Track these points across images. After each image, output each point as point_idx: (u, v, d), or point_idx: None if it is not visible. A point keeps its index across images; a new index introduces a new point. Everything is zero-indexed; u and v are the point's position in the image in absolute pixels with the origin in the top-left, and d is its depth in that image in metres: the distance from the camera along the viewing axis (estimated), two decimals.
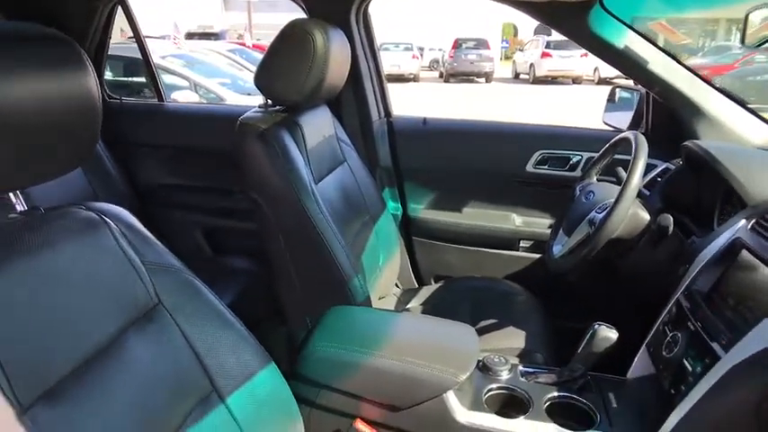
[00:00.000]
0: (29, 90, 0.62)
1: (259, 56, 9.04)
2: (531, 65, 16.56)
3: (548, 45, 15.82)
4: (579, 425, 1.04)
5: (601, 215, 1.30)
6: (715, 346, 0.95)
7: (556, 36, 18.08)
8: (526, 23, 27.28)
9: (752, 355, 0.86)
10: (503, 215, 1.89)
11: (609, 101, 1.98)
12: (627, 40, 1.54)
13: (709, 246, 1.16)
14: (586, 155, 1.78)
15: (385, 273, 1.68)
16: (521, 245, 1.88)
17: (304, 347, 1.12)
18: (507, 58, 24.14)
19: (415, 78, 16.93)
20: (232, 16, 23.43)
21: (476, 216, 1.90)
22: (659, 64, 1.54)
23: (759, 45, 1.17)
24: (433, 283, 1.92)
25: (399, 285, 1.92)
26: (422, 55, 19.77)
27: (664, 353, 1.08)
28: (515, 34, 29.15)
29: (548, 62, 15.88)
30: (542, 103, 12.23)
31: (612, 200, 1.29)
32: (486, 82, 16.88)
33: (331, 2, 1.71)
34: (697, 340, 1.01)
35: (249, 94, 6.28)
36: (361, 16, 1.82)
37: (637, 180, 1.22)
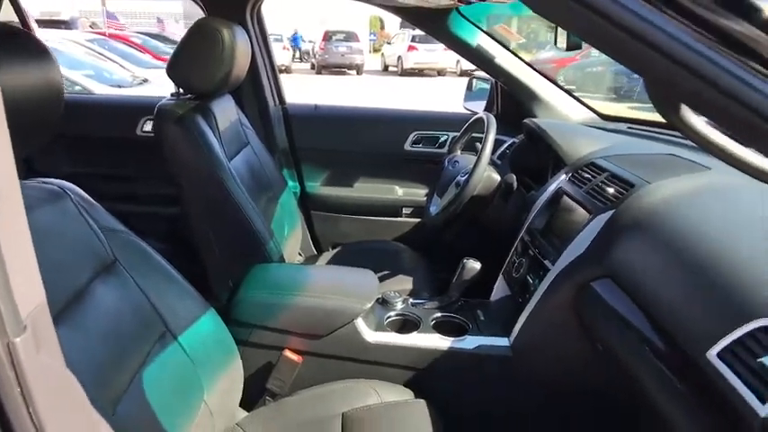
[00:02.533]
0: None
1: (122, 47, 8.68)
2: (399, 57, 17.29)
3: (413, 39, 16.60)
4: (458, 333, 1.38)
5: (464, 178, 1.66)
6: (546, 263, 1.33)
7: (421, 31, 19.06)
8: (392, 17, 28.21)
9: (568, 263, 1.24)
10: (387, 187, 2.21)
11: (467, 89, 2.37)
12: (478, 39, 1.91)
13: (541, 196, 1.55)
14: (452, 134, 2.14)
15: (289, 242, 1.92)
16: (403, 212, 2.22)
17: (235, 297, 1.35)
18: (376, 50, 24.83)
19: (287, 70, 16.93)
20: (81, 2, 21.69)
21: (364, 189, 2.20)
22: (504, 59, 1.94)
23: (570, 50, 1.57)
24: (330, 249, 2.19)
25: (301, 254, 2.16)
26: (294, 47, 19.77)
27: (513, 274, 1.45)
28: (382, 27, 30.00)
29: (414, 55, 16.68)
30: (410, 93, 12.88)
31: (471, 167, 1.65)
32: (358, 74, 17.34)
33: (229, 1, 1.91)
34: (535, 262, 1.39)
35: (120, 86, 6.08)
36: (256, 14, 2.03)
37: (489, 149, 1.58)
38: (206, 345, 1.15)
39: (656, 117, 1.93)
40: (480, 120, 1.75)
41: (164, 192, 2.20)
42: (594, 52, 14.02)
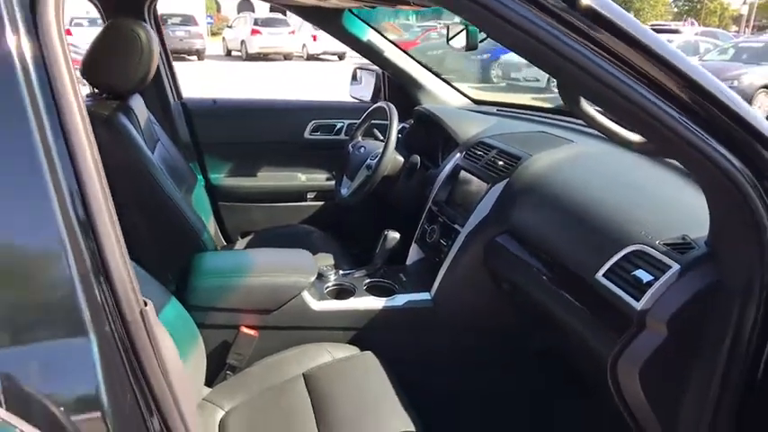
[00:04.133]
0: None
1: None
2: (243, 42, 16.88)
3: (256, 22, 16.30)
4: (387, 294, 1.61)
5: (374, 161, 1.88)
6: (456, 226, 1.61)
7: (263, 13, 18.70)
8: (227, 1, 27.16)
9: (475, 225, 1.53)
10: (290, 174, 2.36)
11: (353, 79, 2.58)
12: (369, 35, 2.13)
13: (441, 173, 1.83)
14: (347, 122, 2.34)
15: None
16: (307, 196, 2.38)
17: (188, 284, 1.44)
18: (214, 34, 23.88)
19: None
20: None
21: (268, 178, 2.32)
22: (391, 52, 2.18)
23: (468, 50, 1.85)
24: (240, 238, 2.29)
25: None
26: None
27: (427, 240, 1.72)
28: (218, 10, 28.86)
29: (258, 39, 16.40)
30: (261, 80, 12.71)
31: (380, 150, 1.88)
32: (199, 59, 16.62)
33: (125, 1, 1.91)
34: (445, 227, 1.66)
35: None
36: (152, 12, 2.04)
37: (395, 134, 1.82)
38: (171, 328, 1.25)
39: (511, 101, 2.31)
40: (378, 108, 1.98)
41: None
42: (434, 34, 14.99)
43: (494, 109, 2.20)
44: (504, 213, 1.46)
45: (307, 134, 2.32)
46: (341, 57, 18.34)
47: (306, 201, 2.38)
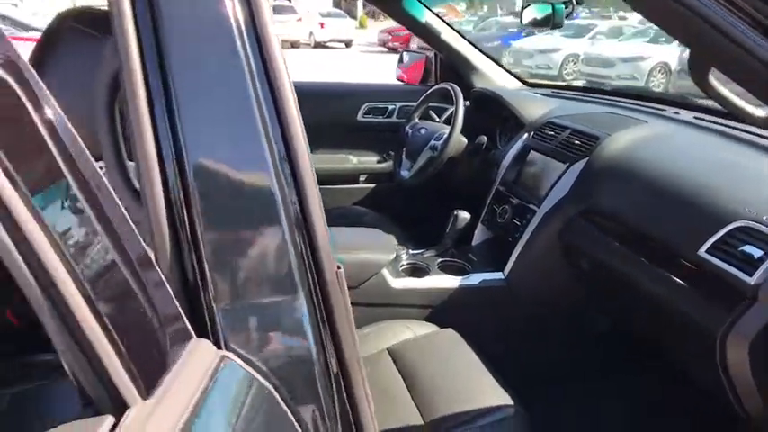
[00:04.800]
0: None
1: None
2: (312, 33, 16.85)
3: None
4: (460, 274, 1.62)
5: (440, 142, 1.88)
6: (531, 206, 1.62)
7: (333, 8, 18.75)
8: None
9: (553, 204, 1.54)
10: (343, 157, 2.36)
11: (400, 62, 2.58)
12: (427, 17, 2.12)
13: (507, 153, 1.84)
14: (399, 104, 2.34)
15: None
16: (360, 179, 2.39)
17: None
18: None
19: None
20: None
21: (321, 160, 2.33)
22: (448, 35, 2.18)
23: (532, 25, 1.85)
24: None
25: None
26: None
27: (498, 220, 1.73)
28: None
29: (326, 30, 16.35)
30: None
31: (443, 131, 1.89)
32: None
33: None
34: (518, 207, 1.67)
35: None
36: None
37: (461, 115, 1.83)
38: None
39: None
40: (437, 90, 1.99)
41: None
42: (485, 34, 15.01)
43: (549, 91, 2.20)
44: (586, 192, 1.47)
45: (359, 117, 2.33)
46: (348, 44, 18.28)
47: (358, 183, 2.39)
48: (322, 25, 16.61)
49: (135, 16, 0.56)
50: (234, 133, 0.59)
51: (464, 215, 1.69)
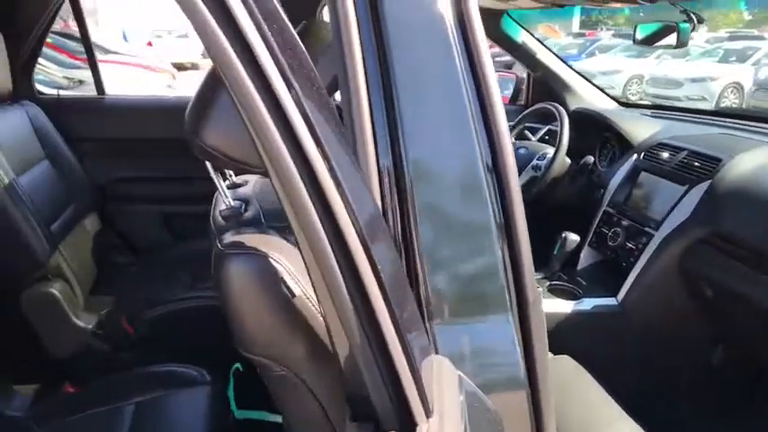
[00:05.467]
0: None
1: None
2: None
3: None
4: (572, 297, 1.57)
5: (544, 162, 1.85)
6: (647, 229, 1.56)
7: None
8: None
9: (674, 228, 1.48)
10: None
11: None
12: (522, 37, 2.11)
13: (615, 174, 1.78)
14: None
15: None
16: None
17: None
18: None
19: (194, 66, 16.30)
20: None
21: None
22: (543, 54, 2.15)
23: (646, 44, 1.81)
24: None
25: None
26: None
27: (609, 243, 1.67)
28: None
29: None
30: None
31: (546, 151, 1.86)
32: None
33: None
34: (632, 230, 1.62)
35: (60, 89, 5.67)
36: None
37: (567, 135, 1.79)
38: None
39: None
40: (536, 110, 1.97)
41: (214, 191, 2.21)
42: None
43: (648, 112, 2.14)
44: (710, 215, 1.41)
45: None
46: None
47: None
48: None
49: (357, 20, 0.57)
50: (451, 148, 0.58)
51: (573, 237, 1.64)
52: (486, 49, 0.60)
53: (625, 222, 1.65)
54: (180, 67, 14.19)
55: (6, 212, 1.48)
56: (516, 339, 0.60)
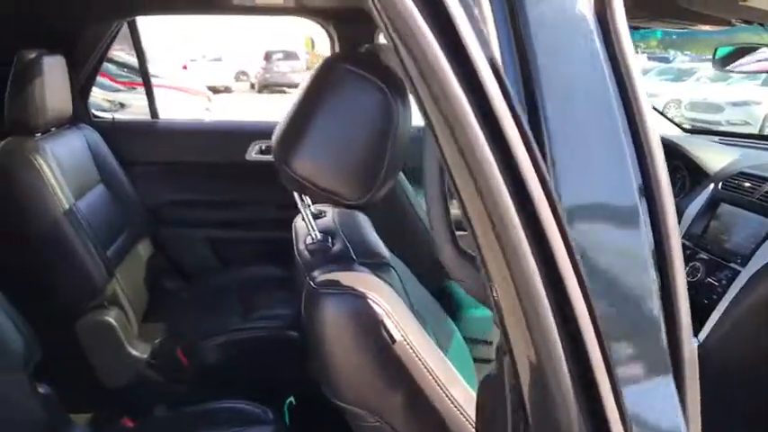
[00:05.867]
0: None
1: None
2: None
3: None
4: None
5: None
6: (732, 264, 1.46)
7: None
8: (323, 37, 28.36)
9: (764, 263, 1.38)
10: None
11: None
12: None
13: (690, 204, 1.69)
14: None
15: None
16: None
17: (459, 316, 1.39)
18: (308, 68, 24.83)
19: (227, 90, 16.64)
20: None
21: None
22: None
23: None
24: None
25: None
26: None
27: (688, 278, 1.57)
28: (313, 47, 30.11)
29: None
30: None
31: None
32: None
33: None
34: (713, 265, 1.52)
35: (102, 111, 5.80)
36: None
37: None
38: (458, 363, 1.19)
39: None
40: None
41: (269, 216, 2.17)
42: None
43: (715, 138, 2.04)
44: None
45: None
46: None
47: None
48: None
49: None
50: (604, 167, 0.52)
51: None
52: (631, 51, 0.54)
53: (704, 256, 1.55)
54: (213, 90, 14.48)
55: (66, 239, 1.46)
56: (678, 407, 0.52)
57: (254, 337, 1.63)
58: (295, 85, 17.64)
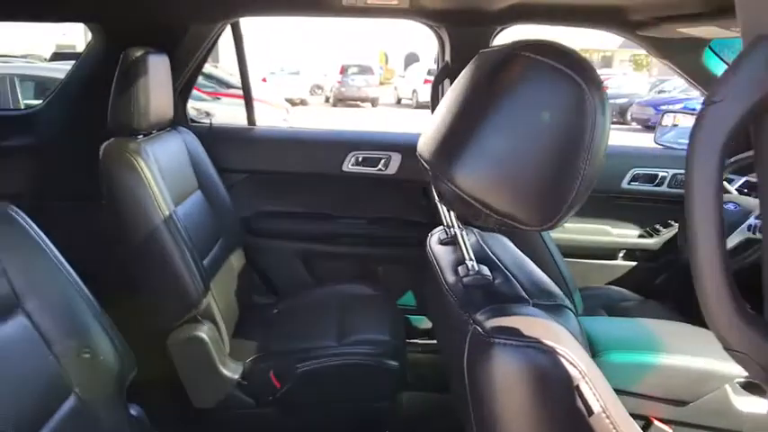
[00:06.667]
0: None
1: None
2: (414, 91, 17.39)
3: (429, 72, 16.72)
4: None
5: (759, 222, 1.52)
6: None
7: (435, 64, 19.26)
8: (395, 52, 28.62)
9: None
10: (602, 228, 2.07)
11: (662, 125, 2.26)
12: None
13: None
14: (672, 171, 2.01)
15: None
16: (619, 255, 2.08)
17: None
18: (381, 83, 25.03)
19: (303, 103, 16.96)
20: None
21: (580, 231, 2.06)
22: None
23: None
24: None
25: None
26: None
27: None
28: (387, 61, 30.42)
29: (430, 88, 16.72)
30: None
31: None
32: (373, 106, 17.39)
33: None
34: None
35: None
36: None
37: None
38: None
39: None
40: (738, 160, 1.66)
41: (362, 232, 2.06)
42: None
43: None
44: None
45: (624, 184, 2.03)
46: None
47: (616, 259, 2.08)
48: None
49: None
50: None
51: None
52: None
53: None
54: (291, 102, 14.80)
55: (164, 247, 1.38)
56: None
57: (350, 363, 1.49)
58: (369, 100, 17.83)
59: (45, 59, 11.06)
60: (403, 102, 18.72)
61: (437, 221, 2.02)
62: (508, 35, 1.85)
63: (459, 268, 0.76)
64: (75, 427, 0.90)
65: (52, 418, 0.87)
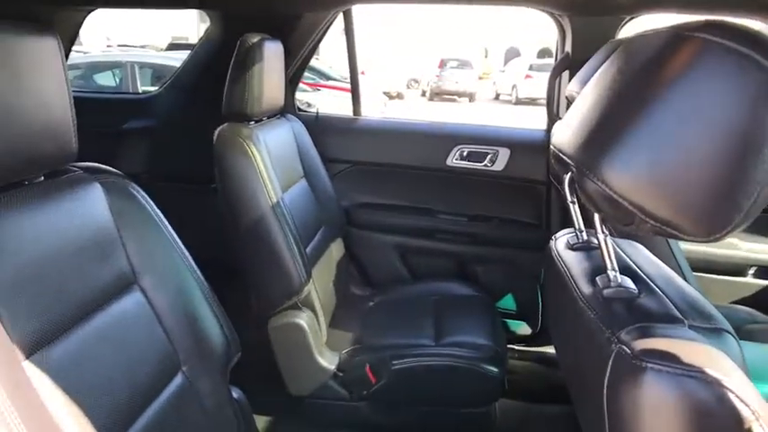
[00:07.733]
0: None
1: None
2: (514, 86, 16.92)
3: (531, 67, 16.20)
4: None
5: None
6: None
7: (537, 59, 18.65)
8: (496, 46, 28.01)
9: None
10: (730, 242, 1.88)
11: None
12: None
13: None
14: None
15: None
16: (749, 272, 1.87)
17: None
18: (480, 78, 24.61)
19: (399, 96, 17.02)
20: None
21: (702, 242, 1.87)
22: None
23: None
24: None
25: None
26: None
27: None
28: (486, 56, 29.88)
29: (530, 84, 16.20)
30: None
31: None
32: (470, 102, 17.14)
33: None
34: None
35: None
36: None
37: None
38: None
39: None
40: None
41: (464, 229, 1.99)
42: None
43: None
44: None
45: None
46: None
47: (745, 276, 1.87)
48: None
49: None
50: None
51: None
52: None
53: None
54: (387, 95, 14.91)
55: (271, 234, 1.40)
56: None
57: (447, 365, 1.44)
58: (466, 95, 17.61)
59: (161, 49, 11.83)
60: (501, 97, 18.29)
61: (550, 223, 1.92)
62: (636, 26, 1.70)
63: (598, 278, 0.68)
64: (181, 406, 0.92)
65: (162, 393, 0.88)
